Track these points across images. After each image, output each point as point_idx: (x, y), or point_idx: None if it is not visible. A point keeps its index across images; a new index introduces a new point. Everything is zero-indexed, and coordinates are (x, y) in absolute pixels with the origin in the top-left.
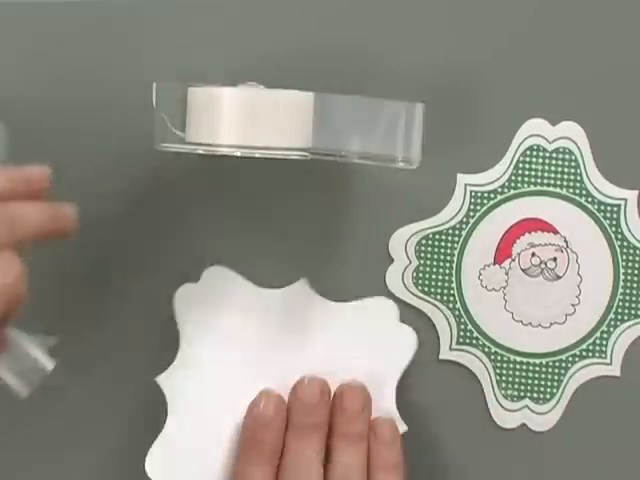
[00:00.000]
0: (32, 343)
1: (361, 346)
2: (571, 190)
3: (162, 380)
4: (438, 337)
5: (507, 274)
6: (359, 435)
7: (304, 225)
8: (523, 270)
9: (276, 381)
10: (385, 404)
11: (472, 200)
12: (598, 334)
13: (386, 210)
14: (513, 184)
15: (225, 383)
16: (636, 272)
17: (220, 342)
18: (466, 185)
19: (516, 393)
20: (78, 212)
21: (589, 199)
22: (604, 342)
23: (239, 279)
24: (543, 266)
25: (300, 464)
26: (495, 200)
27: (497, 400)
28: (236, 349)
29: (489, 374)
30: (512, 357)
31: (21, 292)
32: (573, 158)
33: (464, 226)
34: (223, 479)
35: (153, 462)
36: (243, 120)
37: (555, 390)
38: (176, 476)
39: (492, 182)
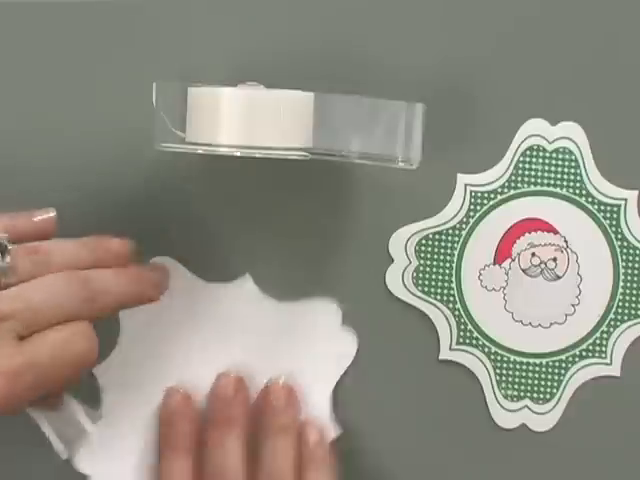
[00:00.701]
0: (78, 407)
1: (300, 347)
2: (571, 190)
3: (99, 372)
4: (438, 337)
5: (507, 274)
6: (283, 428)
7: (304, 225)
8: (523, 270)
9: (209, 379)
10: (320, 405)
11: (472, 200)
12: (598, 334)
13: (386, 210)
14: (513, 184)
15: (159, 378)
16: (636, 272)
17: (158, 336)
18: (466, 185)
19: (516, 393)
20: (77, 212)
21: (589, 199)
22: (604, 342)
23: (182, 270)
24: (543, 266)
25: (218, 456)
26: (495, 200)
27: (497, 400)
28: (173, 344)
29: (489, 374)
30: (512, 357)
31: (91, 363)
32: (573, 158)
33: (464, 226)
34: (145, 475)
35: (81, 454)
36: (243, 120)
37: (555, 390)
38: (102, 468)
39: (492, 182)
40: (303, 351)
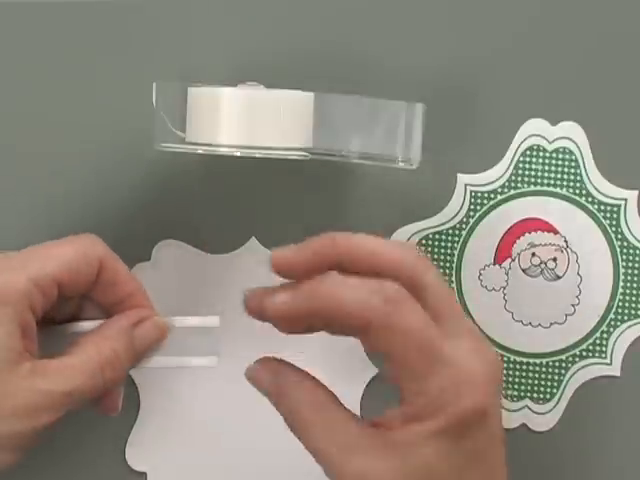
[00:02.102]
0: (187, 318)
1: None
2: (571, 190)
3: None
4: None
5: (507, 274)
6: None
7: (304, 225)
8: (523, 270)
9: (242, 343)
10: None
11: (472, 200)
12: (598, 334)
13: (386, 210)
14: (513, 184)
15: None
16: (636, 272)
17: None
18: (466, 185)
19: (516, 393)
20: (78, 212)
21: (589, 199)
22: (604, 342)
23: (189, 249)
24: (543, 266)
25: None
26: (495, 200)
27: None
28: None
29: None
30: (512, 357)
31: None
32: (573, 158)
33: (464, 226)
34: (202, 455)
35: (133, 451)
36: (243, 120)
37: (555, 390)
38: (156, 461)
39: (492, 182)
40: None
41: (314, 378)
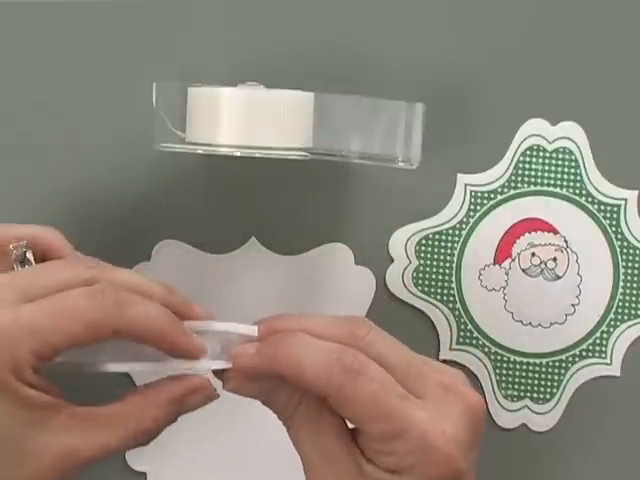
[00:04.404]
0: (224, 324)
1: (320, 291)
2: (571, 190)
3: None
4: (438, 337)
5: (507, 274)
6: None
7: (304, 225)
8: (523, 270)
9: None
10: None
11: (472, 200)
12: (598, 334)
13: (386, 210)
14: (513, 184)
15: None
16: (636, 272)
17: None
18: (466, 185)
19: (516, 393)
20: (78, 212)
21: (589, 199)
22: (604, 342)
23: (189, 249)
24: (543, 266)
25: None
26: (495, 200)
27: (497, 400)
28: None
29: (489, 374)
30: (512, 357)
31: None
32: (573, 158)
33: (464, 226)
34: (202, 455)
35: (133, 451)
36: (243, 120)
37: (555, 390)
38: (156, 461)
39: (492, 182)
40: (324, 295)
41: None
